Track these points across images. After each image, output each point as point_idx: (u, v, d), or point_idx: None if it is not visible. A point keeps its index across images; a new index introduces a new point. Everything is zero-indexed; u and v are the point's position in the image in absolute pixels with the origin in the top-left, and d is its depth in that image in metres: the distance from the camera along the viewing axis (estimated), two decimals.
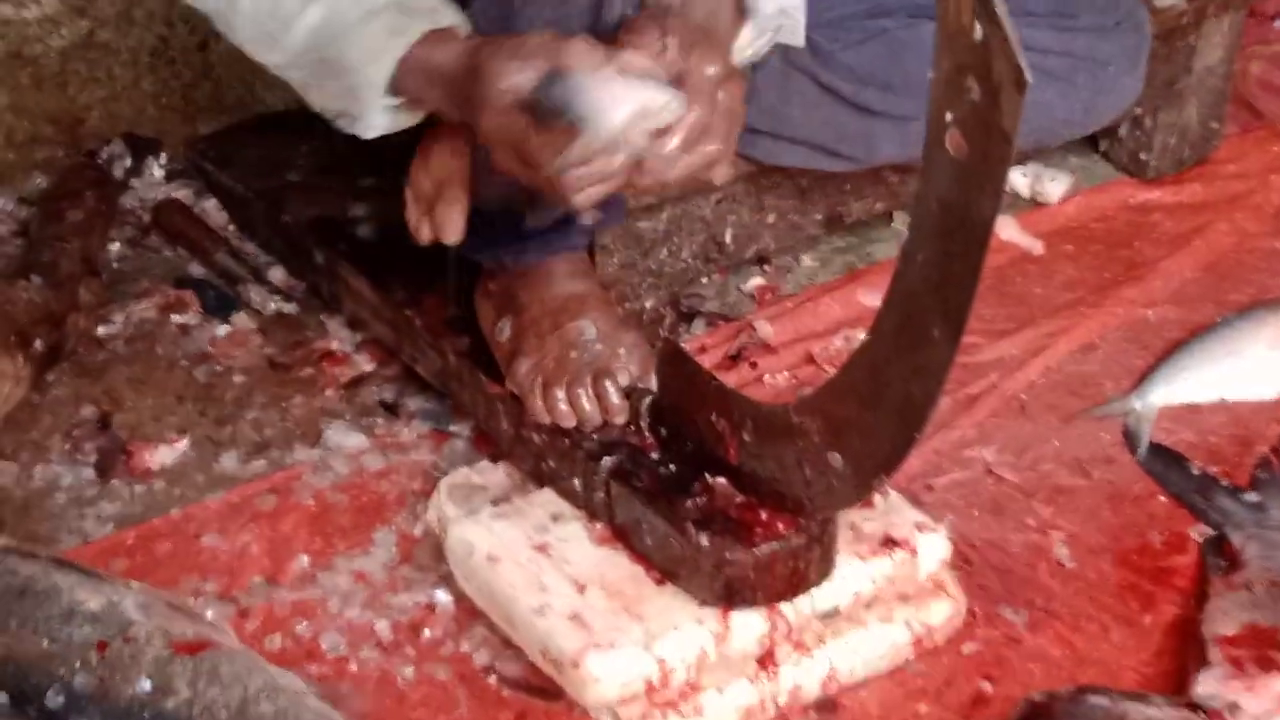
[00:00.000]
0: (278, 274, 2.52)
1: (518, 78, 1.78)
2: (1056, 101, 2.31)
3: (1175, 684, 1.96)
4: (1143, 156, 2.83)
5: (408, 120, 1.97)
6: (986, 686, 1.99)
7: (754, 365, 2.43)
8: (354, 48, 1.91)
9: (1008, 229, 2.69)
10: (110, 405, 2.32)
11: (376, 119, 1.95)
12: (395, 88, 1.91)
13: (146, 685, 1.71)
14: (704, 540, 1.91)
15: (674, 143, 1.78)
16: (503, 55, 1.80)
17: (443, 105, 1.91)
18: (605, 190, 1.81)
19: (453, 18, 1.92)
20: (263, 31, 1.98)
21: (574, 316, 2.09)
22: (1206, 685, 1.90)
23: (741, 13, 1.96)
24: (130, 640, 1.74)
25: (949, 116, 1.55)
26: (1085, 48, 2.27)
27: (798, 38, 2.05)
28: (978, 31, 1.50)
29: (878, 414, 1.77)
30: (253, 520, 2.16)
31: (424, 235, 2.08)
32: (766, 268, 2.61)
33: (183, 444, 2.26)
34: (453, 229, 2.05)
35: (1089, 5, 2.28)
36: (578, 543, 2.02)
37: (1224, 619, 2.01)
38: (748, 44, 1.99)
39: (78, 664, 1.73)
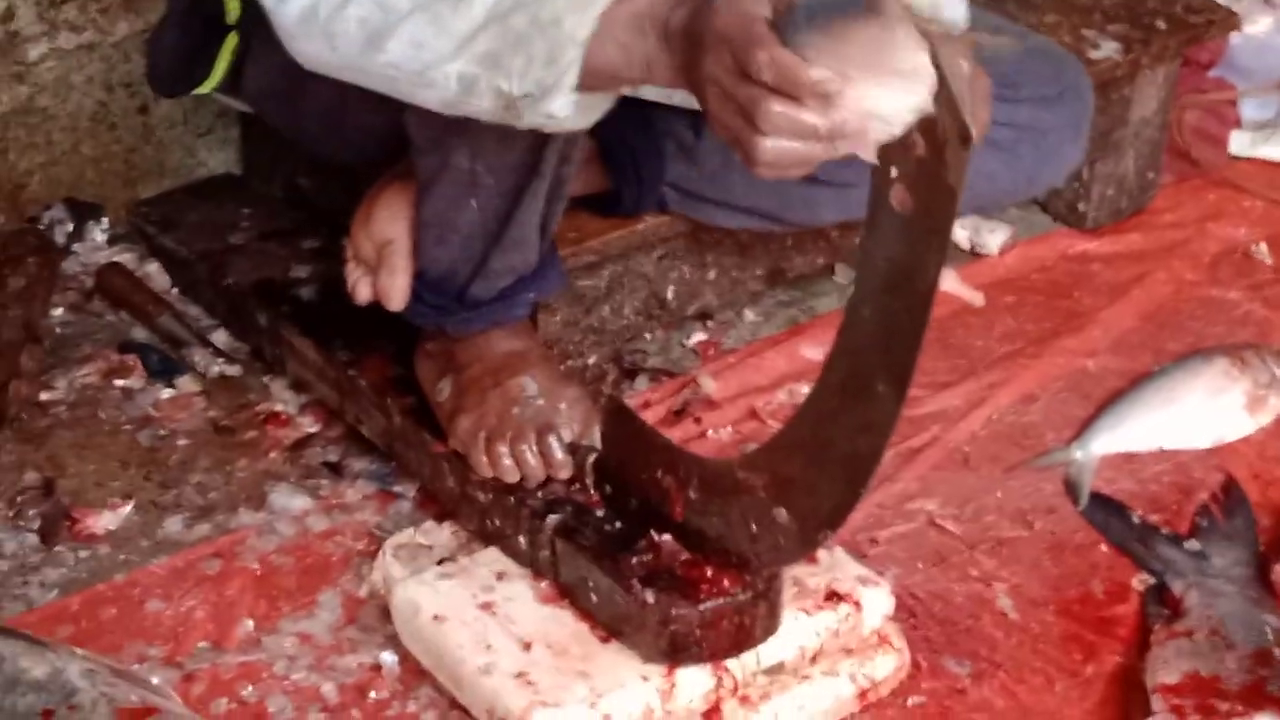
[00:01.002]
0: (221, 337, 2.52)
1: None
2: (1000, 171, 2.33)
3: None
4: (1081, 207, 2.86)
5: (590, 115, 1.76)
6: None
7: (698, 420, 2.44)
8: (553, 2, 1.69)
9: (948, 281, 2.70)
10: (54, 471, 2.31)
11: (570, 95, 1.71)
12: (587, 64, 1.69)
13: None
14: (649, 597, 1.91)
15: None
16: None
17: (656, 56, 1.67)
18: (802, 168, 1.61)
19: None
20: (428, 20, 1.73)
21: (515, 373, 2.09)
22: None
23: None
24: (75, 708, 1.74)
25: (894, 173, 1.56)
26: (1029, 118, 2.29)
27: None
28: None
29: (823, 469, 1.78)
30: (197, 584, 2.15)
31: (362, 295, 2.08)
32: (709, 323, 2.62)
33: (127, 509, 2.25)
34: (396, 298, 2.05)
35: (1032, 76, 2.30)
36: (523, 601, 2.02)
37: (1166, 668, 2.03)
38: None
39: None
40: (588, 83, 1.70)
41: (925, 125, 1.52)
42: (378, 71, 1.78)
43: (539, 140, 1.91)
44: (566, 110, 1.72)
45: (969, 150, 1.48)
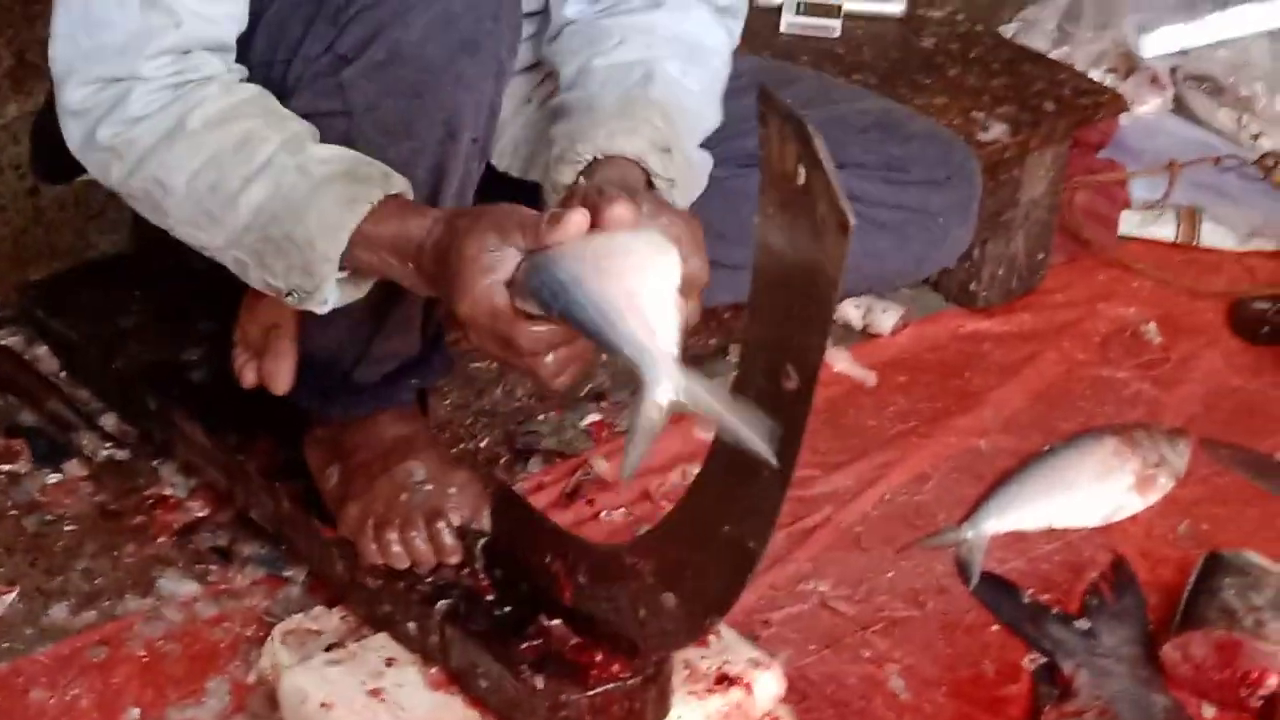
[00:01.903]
0: (110, 421, 2.49)
1: (500, 259, 1.66)
2: (889, 252, 2.35)
3: None
4: (972, 287, 2.88)
5: (361, 290, 1.85)
6: None
7: (591, 502, 2.44)
8: (305, 222, 1.78)
9: (841, 361, 2.72)
10: None
11: (331, 294, 1.82)
12: (348, 260, 1.79)
13: None
14: (539, 682, 1.91)
15: (692, 306, 1.70)
16: (480, 230, 1.67)
17: (409, 279, 1.78)
18: (586, 367, 1.76)
19: (402, 183, 1.81)
20: (201, 210, 1.85)
21: (402, 459, 2.09)
22: None
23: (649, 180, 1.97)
24: None
25: (776, 253, 1.57)
26: (917, 200, 2.30)
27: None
28: (801, 176, 1.52)
29: (709, 554, 1.78)
30: (83, 673, 2.13)
31: (248, 379, 2.08)
32: (603, 404, 2.62)
33: (11, 596, 2.23)
34: (281, 382, 2.05)
35: (920, 159, 2.32)
36: (413, 688, 2.01)
37: None
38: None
39: None
40: (354, 275, 1.83)
41: (805, 213, 1.53)
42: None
43: None
44: (335, 304, 1.83)
45: (848, 237, 1.49)
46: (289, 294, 1.83)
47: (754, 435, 1.56)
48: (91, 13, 1.86)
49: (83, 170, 2.09)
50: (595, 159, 1.91)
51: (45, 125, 2.10)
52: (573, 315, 1.60)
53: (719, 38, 2.10)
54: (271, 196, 1.80)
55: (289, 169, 1.80)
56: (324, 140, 1.85)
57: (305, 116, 1.87)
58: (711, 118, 2.06)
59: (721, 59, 2.10)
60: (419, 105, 1.85)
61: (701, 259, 1.73)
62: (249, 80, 1.90)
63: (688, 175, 2.01)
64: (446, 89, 1.86)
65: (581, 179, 1.91)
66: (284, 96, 1.89)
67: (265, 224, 1.81)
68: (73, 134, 1.91)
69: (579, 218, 1.63)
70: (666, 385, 1.56)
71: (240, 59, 1.92)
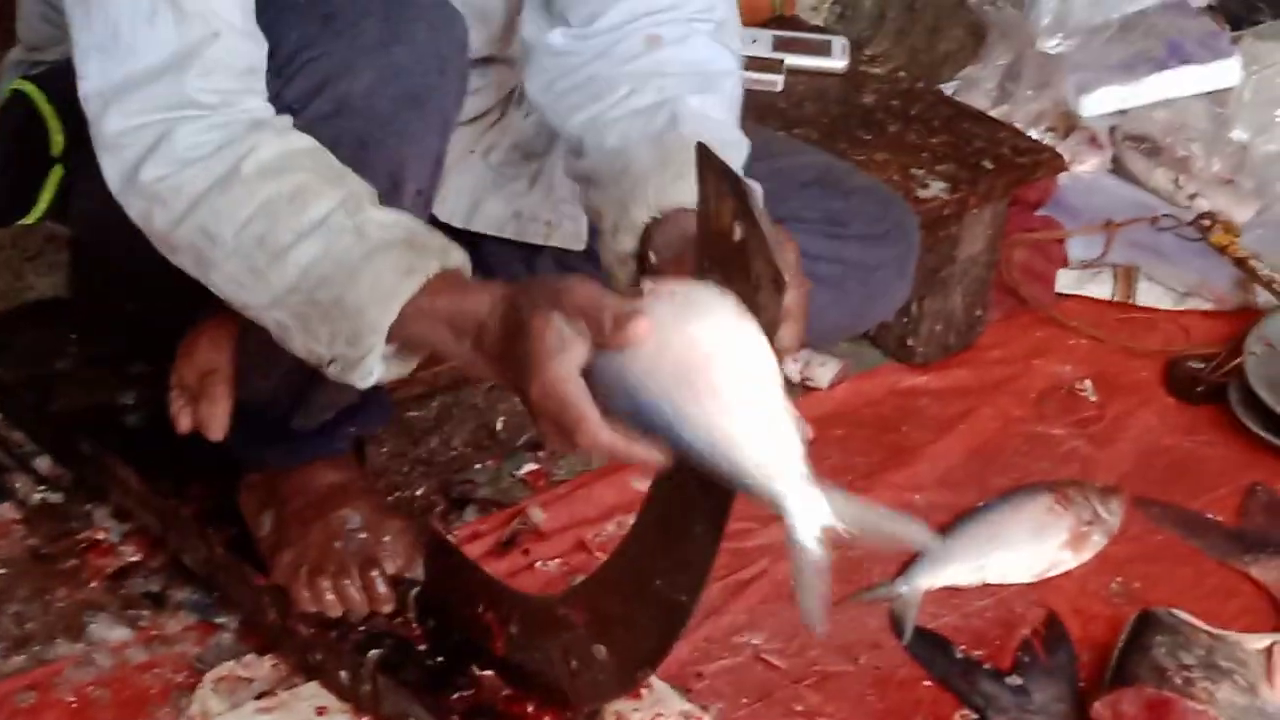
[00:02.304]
0: (44, 463, 2.48)
1: (572, 340, 1.56)
2: (828, 305, 2.34)
3: None
4: (910, 343, 2.89)
5: (406, 367, 1.77)
6: None
7: (526, 552, 2.43)
8: (357, 287, 1.69)
9: None
10: None
11: (376, 366, 1.73)
12: (399, 333, 1.70)
13: None
14: None
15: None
16: (547, 308, 1.57)
17: (464, 358, 1.68)
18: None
19: (460, 257, 1.74)
20: (247, 266, 1.74)
21: (337, 506, 2.09)
22: None
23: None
24: None
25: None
26: (856, 254, 2.31)
27: None
28: (738, 232, 1.53)
29: (642, 607, 1.79)
30: (11, 718, 2.11)
31: (183, 425, 2.07)
32: (539, 453, 2.62)
33: None
34: (216, 427, 2.04)
35: (859, 214, 2.33)
36: None
37: None
38: None
39: None
40: (403, 350, 1.73)
41: (740, 269, 1.53)
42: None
43: None
44: (377, 378, 1.74)
45: (782, 294, 1.49)
46: (331, 362, 1.74)
47: (917, 531, 1.57)
48: (120, 37, 1.76)
49: (19, 217, 2.08)
50: (654, 219, 1.83)
51: None
52: (676, 446, 1.51)
53: (725, 59, 2.05)
54: (323, 256, 1.71)
55: (345, 230, 1.72)
56: None
57: None
58: (740, 142, 2.04)
59: (732, 81, 2.05)
60: (364, 157, 1.83)
61: (798, 322, 1.63)
62: None
63: None
64: (392, 142, 1.86)
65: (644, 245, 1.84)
66: None
67: (314, 286, 1.72)
68: (111, 173, 1.80)
69: (644, 327, 1.52)
70: (814, 514, 1.50)
71: None
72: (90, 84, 1.79)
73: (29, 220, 2.11)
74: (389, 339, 1.70)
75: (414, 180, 1.89)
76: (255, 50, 1.81)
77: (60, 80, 1.91)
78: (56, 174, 2.06)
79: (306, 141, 1.78)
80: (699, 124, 1.92)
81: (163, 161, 1.75)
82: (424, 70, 1.86)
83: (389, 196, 1.86)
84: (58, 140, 2.04)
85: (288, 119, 1.80)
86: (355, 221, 1.72)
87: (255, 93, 1.80)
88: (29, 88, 2.04)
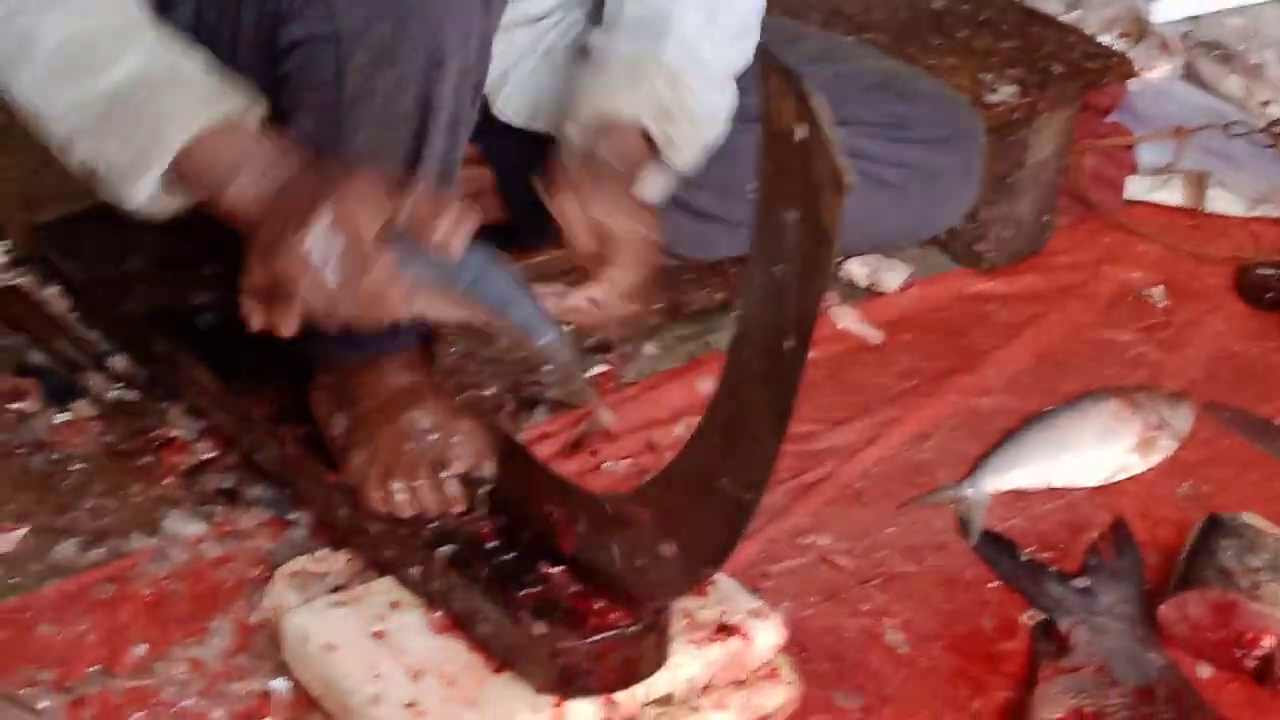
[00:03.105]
0: (119, 362, 2.51)
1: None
2: (890, 210, 2.36)
3: None
4: (977, 248, 2.89)
5: (169, 203, 1.92)
6: None
7: (594, 453, 2.45)
8: (162, 103, 1.84)
9: (846, 318, 2.73)
10: None
11: (149, 186, 1.88)
12: (184, 157, 1.85)
13: None
14: (538, 629, 1.92)
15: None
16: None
17: (227, 198, 1.87)
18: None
19: (262, 113, 1.88)
20: (62, 73, 1.85)
21: (407, 408, 2.10)
22: None
23: (651, 146, 1.99)
24: None
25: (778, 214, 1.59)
26: (919, 159, 2.31)
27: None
28: (799, 133, 1.54)
29: (706, 506, 1.80)
30: (89, 609, 2.14)
31: (255, 323, 2.08)
32: (609, 355, 2.63)
33: (19, 532, 2.25)
34: (287, 325, 2.06)
35: (922, 118, 2.33)
36: (416, 631, 2.02)
37: (1050, 703, 2.05)
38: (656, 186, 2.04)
39: None
40: (173, 182, 1.88)
41: (802, 170, 1.54)
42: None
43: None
44: (140, 203, 1.90)
45: (843, 195, 1.50)
46: (105, 175, 1.88)
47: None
48: None
49: None
50: (603, 125, 1.91)
51: None
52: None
53: None
54: (138, 76, 1.84)
55: (162, 62, 1.85)
56: (316, 69, 1.87)
57: (298, 42, 1.88)
58: (737, 58, 2.04)
59: None
60: (404, 30, 1.85)
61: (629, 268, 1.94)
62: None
63: (691, 135, 2.01)
64: (432, 16, 1.87)
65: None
66: (281, 20, 1.89)
67: (123, 95, 1.84)
68: None
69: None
70: None
71: None
72: None
73: None
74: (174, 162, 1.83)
75: (456, 58, 1.89)
76: None
77: None
78: None
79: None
80: (687, 45, 2.06)
81: None
82: None
83: (430, 73, 1.87)
84: None
85: None
86: (173, 58, 1.86)
87: None
88: None
